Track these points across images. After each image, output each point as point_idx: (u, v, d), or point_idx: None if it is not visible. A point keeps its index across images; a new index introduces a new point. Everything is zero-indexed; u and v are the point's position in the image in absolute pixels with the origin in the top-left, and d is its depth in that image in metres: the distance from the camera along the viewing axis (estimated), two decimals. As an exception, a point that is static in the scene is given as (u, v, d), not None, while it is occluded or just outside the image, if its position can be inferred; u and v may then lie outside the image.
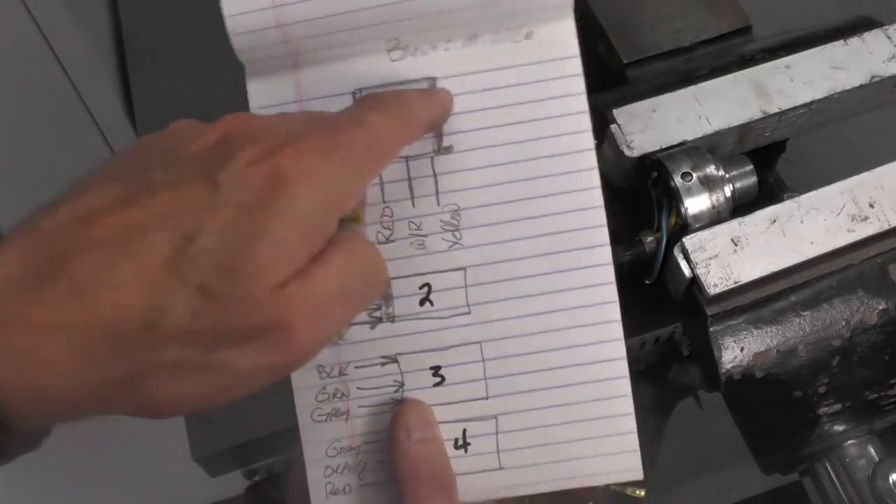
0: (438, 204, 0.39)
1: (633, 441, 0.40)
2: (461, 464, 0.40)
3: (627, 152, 0.52)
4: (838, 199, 0.50)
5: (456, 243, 0.40)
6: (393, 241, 0.39)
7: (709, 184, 0.51)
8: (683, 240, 0.49)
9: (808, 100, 0.54)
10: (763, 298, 0.49)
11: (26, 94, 0.75)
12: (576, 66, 0.39)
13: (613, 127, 0.53)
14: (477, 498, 0.40)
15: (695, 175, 0.51)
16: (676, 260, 0.49)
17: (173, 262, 0.28)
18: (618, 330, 0.40)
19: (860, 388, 0.49)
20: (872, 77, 0.54)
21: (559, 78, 0.39)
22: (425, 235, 0.40)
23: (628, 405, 0.40)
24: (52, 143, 0.79)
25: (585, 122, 0.39)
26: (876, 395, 0.50)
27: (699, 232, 0.49)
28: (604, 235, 0.40)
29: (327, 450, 0.40)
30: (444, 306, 0.40)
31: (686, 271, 0.49)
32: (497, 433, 0.40)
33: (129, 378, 0.28)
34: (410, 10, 0.38)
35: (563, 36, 0.39)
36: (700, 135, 0.53)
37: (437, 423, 0.40)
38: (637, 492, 0.41)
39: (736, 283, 0.48)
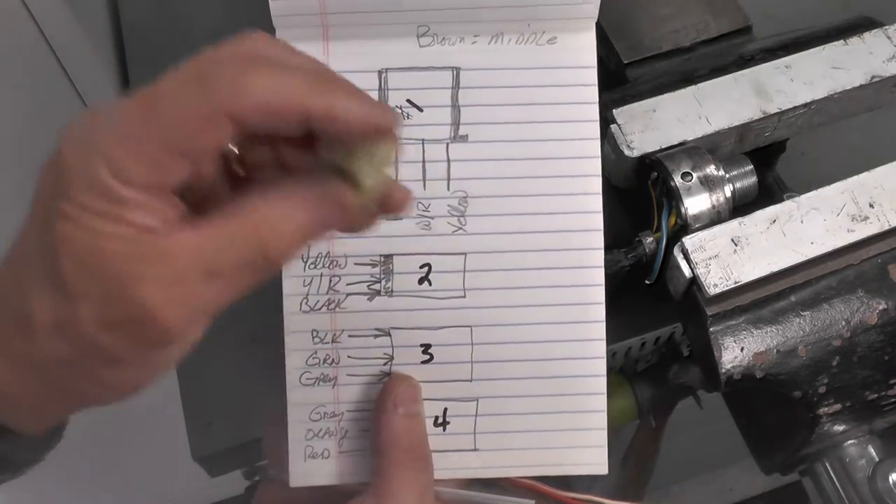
0: (448, 189, 0.41)
1: (602, 437, 0.42)
2: (438, 441, 0.41)
3: (627, 152, 0.52)
4: (838, 199, 0.50)
5: (460, 228, 0.41)
6: (400, 219, 0.41)
7: (709, 184, 0.51)
8: (683, 240, 0.49)
9: (808, 100, 0.54)
10: (763, 298, 0.49)
11: (26, 94, 0.75)
12: (592, 76, 0.41)
13: (613, 127, 0.53)
14: (449, 476, 0.42)
15: (695, 175, 0.51)
16: (676, 260, 0.49)
17: None
18: (601, 330, 0.42)
19: (860, 388, 0.49)
20: (872, 77, 0.54)
21: (575, 85, 0.41)
22: (432, 217, 0.41)
23: (602, 402, 0.42)
24: (51, 143, 0.79)
25: (595, 130, 0.41)
26: (876, 395, 0.50)
27: (699, 232, 0.49)
28: (599, 239, 0.42)
29: (311, 414, 0.41)
30: (442, 287, 0.41)
31: (686, 271, 0.49)
32: (476, 415, 0.42)
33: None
34: (445, 0, 0.40)
35: (584, 46, 0.41)
36: (700, 135, 0.53)
37: (422, 400, 0.41)
38: None
39: (736, 283, 0.48)
